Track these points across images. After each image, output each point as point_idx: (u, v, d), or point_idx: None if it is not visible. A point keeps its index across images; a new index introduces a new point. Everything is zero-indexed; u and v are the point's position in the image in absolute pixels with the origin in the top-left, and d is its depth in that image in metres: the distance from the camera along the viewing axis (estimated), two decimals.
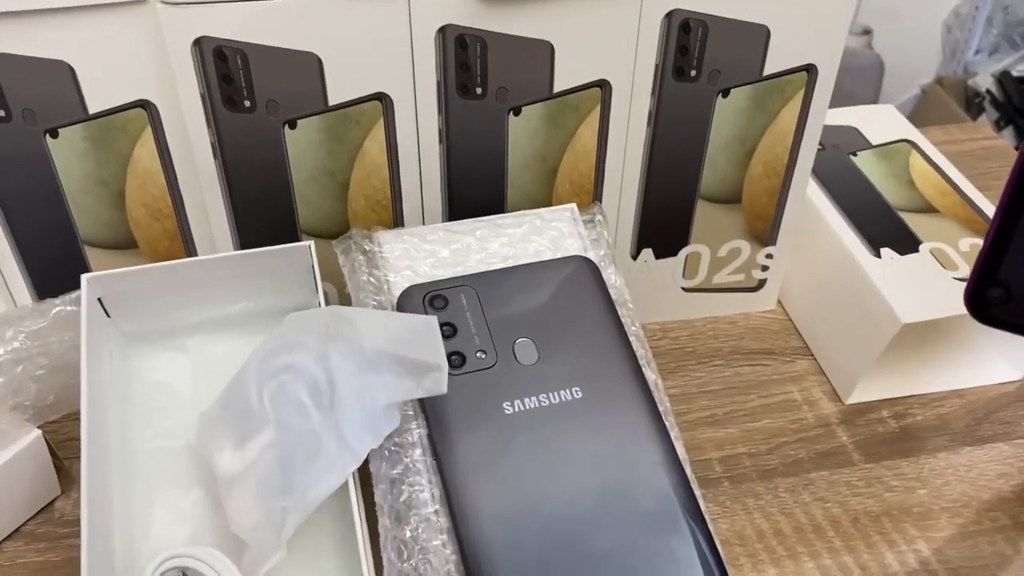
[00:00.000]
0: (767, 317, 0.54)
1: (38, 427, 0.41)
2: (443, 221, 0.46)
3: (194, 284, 0.40)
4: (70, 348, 0.41)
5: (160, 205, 0.43)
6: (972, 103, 1.73)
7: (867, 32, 1.73)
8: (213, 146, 0.41)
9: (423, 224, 0.46)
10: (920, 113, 1.75)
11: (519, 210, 0.45)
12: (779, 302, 0.55)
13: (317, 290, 0.39)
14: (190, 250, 0.45)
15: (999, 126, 1.67)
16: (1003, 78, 1.72)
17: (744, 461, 0.46)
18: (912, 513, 0.43)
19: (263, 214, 0.44)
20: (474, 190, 0.45)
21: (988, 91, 1.74)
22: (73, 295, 0.41)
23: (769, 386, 0.50)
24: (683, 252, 0.50)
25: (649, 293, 0.52)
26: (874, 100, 1.79)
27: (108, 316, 0.40)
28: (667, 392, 0.47)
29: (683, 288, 0.52)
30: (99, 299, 0.39)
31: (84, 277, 0.38)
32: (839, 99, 0.63)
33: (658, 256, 0.50)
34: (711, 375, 0.50)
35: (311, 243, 0.39)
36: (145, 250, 0.45)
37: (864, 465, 0.45)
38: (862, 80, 1.67)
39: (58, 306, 0.41)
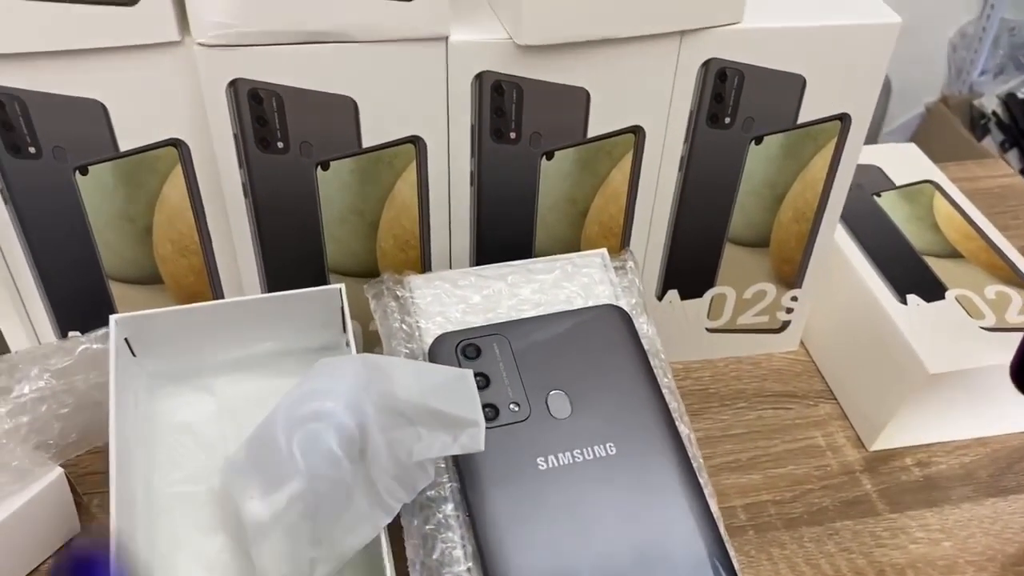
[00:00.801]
0: (789, 358, 0.54)
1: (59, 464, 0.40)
2: (470, 261, 0.46)
3: (221, 325, 0.39)
4: (94, 386, 0.41)
5: (187, 242, 0.43)
6: (977, 124, 1.73)
7: None
8: (244, 186, 0.41)
9: (450, 264, 0.46)
10: (924, 132, 1.75)
11: (547, 251, 0.44)
12: (802, 343, 0.54)
13: (346, 332, 0.38)
14: (215, 286, 0.45)
15: (1004, 148, 1.67)
16: (1009, 100, 1.72)
17: (769, 509, 0.45)
18: (938, 566, 0.43)
19: (291, 252, 0.43)
20: (502, 232, 0.45)
21: (994, 112, 1.74)
22: (99, 332, 0.40)
23: (792, 431, 0.49)
24: (709, 293, 0.50)
25: (673, 333, 0.51)
26: (880, 119, 1.80)
27: (134, 355, 0.40)
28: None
29: (707, 329, 0.52)
30: (126, 339, 0.39)
31: (112, 318, 0.38)
32: None
33: (684, 297, 0.50)
34: (735, 418, 0.50)
35: (342, 286, 0.39)
36: (170, 285, 0.44)
37: (889, 515, 0.45)
38: None
39: (84, 344, 0.40)
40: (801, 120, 0.43)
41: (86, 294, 0.44)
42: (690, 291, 0.50)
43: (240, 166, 0.40)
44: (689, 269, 0.49)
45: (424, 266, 0.45)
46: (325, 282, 0.45)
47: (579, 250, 0.43)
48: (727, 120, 0.43)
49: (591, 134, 0.42)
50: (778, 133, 0.44)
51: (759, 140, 0.44)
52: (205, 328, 0.39)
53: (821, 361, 0.53)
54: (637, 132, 0.42)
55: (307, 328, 0.40)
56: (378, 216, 0.43)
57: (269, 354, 0.42)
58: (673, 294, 0.50)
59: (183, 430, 0.40)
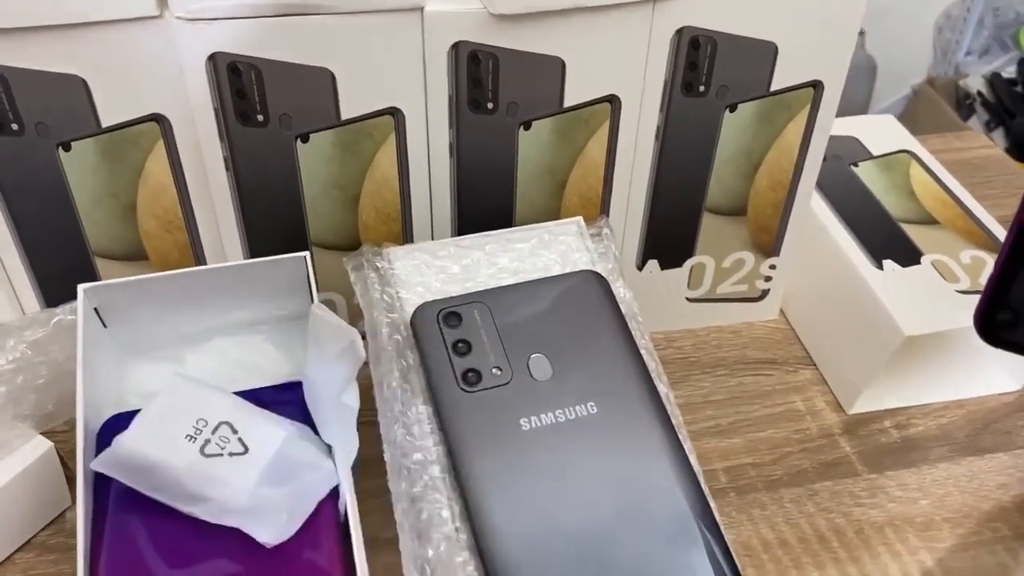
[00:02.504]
0: (769, 327, 0.54)
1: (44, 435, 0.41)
2: (452, 233, 0.46)
3: (191, 295, 0.40)
4: (69, 357, 0.41)
5: (171, 217, 0.43)
6: (963, 104, 1.74)
7: (860, 33, 1.74)
8: (226, 160, 0.41)
9: (432, 236, 0.46)
10: (911, 114, 1.76)
11: (527, 222, 0.45)
12: (781, 311, 0.55)
13: (313, 301, 0.39)
14: (200, 262, 0.45)
15: (989, 127, 1.69)
16: (994, 80, 1.73)
17: (749, 471, 0.46)
18: (915, 523, 0.44)
19: (274, 227, 0.44)
20: (483, 203, 0.45)
21: (979, 92, 1.75)
22: (74, 304, 0.41)
23: (773, 396, 0.50)
24: (688, 263, 0.51)
25: (654, 303, 0.52)
26: (867, 100, 1.80)
27: (105, 326, 0.40)
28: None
29: (687, 298, 0.53)
30: (95, 309, 0.39)
31: (81, 287, 0.38)
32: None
33: (663, 267, 0.51)
34: (715, 385, 0.51)
35: (307, 254, 0.40)
36: (156, 262, 0.45)
37: (867, 475, 0.46)
38: (854, 80, 1.68)
39: (58, 315, 0.41)
40: (774, 88, 0.44)
41: (72, 271, 0.44)
42: (670, 261, 0.51)
43: (221, 140, 0.41)
44: (668, 239, 0.50)
45: (406, 239, 0.46)
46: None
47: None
48: (701, 88, 0.43)
49: (567, 104, 0.42)
50: (752, 101, 0.44)
51: (733, 108, 0.44)
52: (175, 298, 0.40)
53: (800, 329, 0.54)
54: (613, 101, 0.43)
55: (276, 297, 0.40)
56: (359, 189, 0.43)
57: (239, 324, 0.42)
58: (653, 264, 0.51)
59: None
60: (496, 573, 0.32)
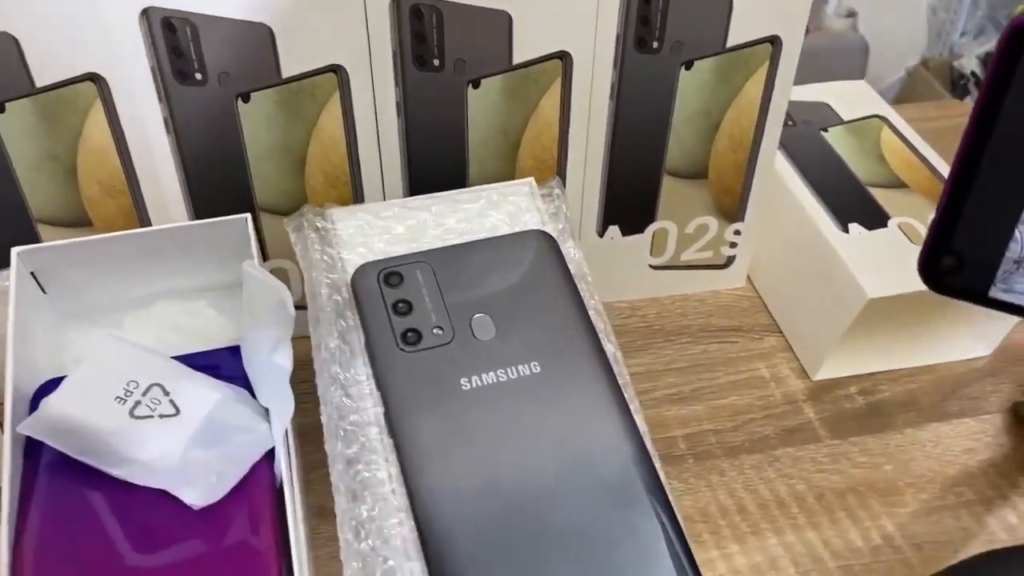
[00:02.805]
0: (736, 295, 0.53)
1: None
2: (404, 197, 0.45)
3: (131, 258, 0.39)
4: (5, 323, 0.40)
5: (114, 182, 0.42)
6: (957, 85, 1.73)
7: (852, 14, 1.72)
8: (166, 121, 0.40)
9: (384, 201, 0.45)
10: (906, 95, 1.74)
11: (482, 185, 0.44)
12: (749, 279, 0.54)
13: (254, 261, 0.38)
14: (145, 226, 0.44)
15: None
16: (988, 60, 1.71)
17: (709, 438, 0.45)
18: (877, 489, 0.43)
19: (219, 192, 0.43)
20: (435, 165, 0.44)
21: (973, 73, 1.73)
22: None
23: (737, 363, 0.49)
24: (650, 229, 0.50)
25: (617, 271, 0.51)
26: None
27: (44, 292, 0.39)
28: (633, 370, 0.47)
29: (651, 266, 0.52)
30: (32, 274, 0.38)
31: (14, 251, 0.37)
32: (825, 81, 0.62)
33: (625, 233, 0.50)
34: (678, 352, 0.50)
35: (248, 216, 0.39)
36: (100, 228, 0.44)
37: (830, 441, 0.45)
38: (847, 62, 1.67)
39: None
40: (730, 43, 0.43)
41: (16, 239, 0.43)
42: (631, 227, 0.50)
43: (160, 100, 0.40)
44: (628, 204, 0.48)
45: (357, 203, 0.45)
46: (256, 222, 0.44)
47: None
48: (655, 44, 0.42)
49: (517, 61, 0.41)
50: (708, 57, 0.43)
51: (689, 65, 0.43)
52: (115, 262, 0.39)
53: (767, 296, 0.53)
54: (564, 58, 0.42)
55: (219, 261, 0.39)
56: (305, 151, 0.42)
57: (182, 289, 0.41)
58: (615, 230, 0.49)
59: None
60: (430, 534, 0.31)
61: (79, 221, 0.44)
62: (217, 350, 0.39)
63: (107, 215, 0.44)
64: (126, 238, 0.40)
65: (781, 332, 0.51)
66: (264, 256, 0.46)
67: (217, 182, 0.43)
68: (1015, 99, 0.27)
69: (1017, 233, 0.28)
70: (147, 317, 0.40)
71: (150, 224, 0.44)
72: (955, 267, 0.30)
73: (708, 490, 0.43)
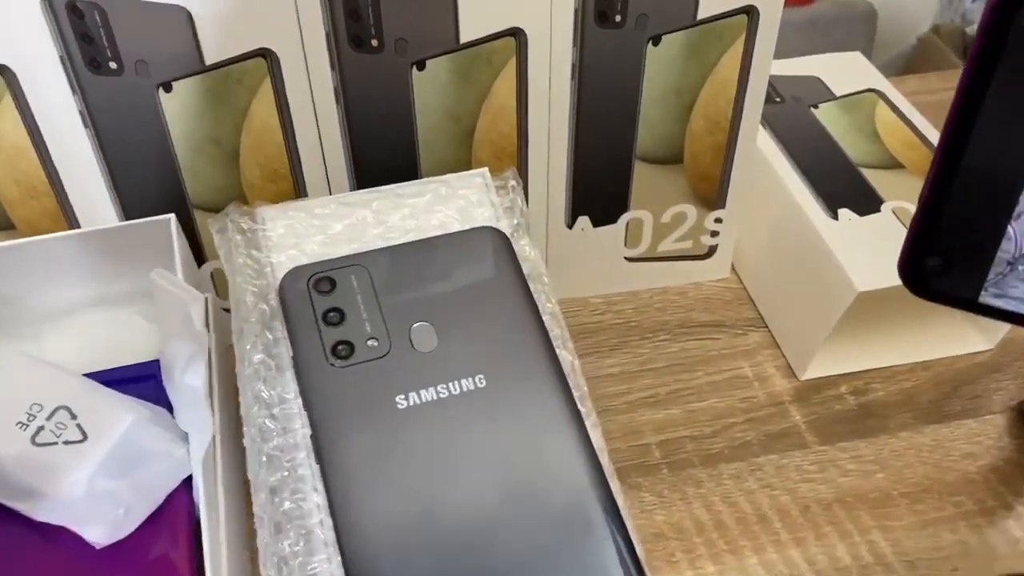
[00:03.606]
0: (719, 286, 0.50)
1: None
2: (351, 190, 0.42)
3: (50, 264, 0.36)
4: None
5: (34, 182, 0.39)
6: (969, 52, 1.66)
7: None
8: (82, 114, 0.37)
9: (330, 195, 0.42)
10: (915, 64, 1.69)
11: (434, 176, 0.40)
12: (734, 269, 0.50)
13: (176, 271, 0.34)
14: (74, 228, 0.41)
15: None
16: None
17: (686, 445, 0.42)
18: (868, 500, 0.40)
19: (148, 188, 0.40)
20: (382, 156, 0.41)
21: None
22: None
23: (718, 362, 0.46)
24: (623, 219, 0.46)
25: (589, 264, 0.47)
26: (867, 52, 1.73)
27: None
28: (606, 371, 0.44)
29: (626, 258, 0.48)
30: None
31: None
32: (830, 51, 0.58)
33: (596, 224, 0.46)
34: (655, 351, 0.46)
35: (172, 216, 0.35)
36: (24, 231, 0.41)
37: (818, 447, 0.42)
38: (854, 30, 1.61)
39: None
40: (701, 15, 0.39)
41: None
42: (602, 217, 0.46)
43: (74, 92, 0.36)
44: (598, 192, 0.45)
45: (300, 197, 0.41)
46: (189, 219, 0.41)
47: None
48: (617, 18, 0.38)
49: (464, 39, 0.38)
50: (677, 31, 0.39)
51: (657, 40, 0.39)
52: (35, 267, 0.36)
53: (752, 287, 0.49)
54: (517, 35, 0.38)
55: (146, 266, 0.36)
56: (238, 143, 0.39)
57: (107, 297, 0.38)
58: (584, 221, 0.46)
59: None
60: (359, 573, 0.28)
61: (1, 224, 0.40)
62: (137, 365, 0.35)
63: (30, 217, 0.40)
64: (46, 243, 0.37)
65: (767, 327, 0.47)
66: (202, 259, 0.42)
67: (145, 179, 0.39)
68: (1008, 71, 0.23)
69: (1010, 230, 0.24)
70: (68, 328, 0.37)
71: (79, 226, 0.41)
72: (940, 269, 0.26)
73: (683, 503, 0.39)
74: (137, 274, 0.38)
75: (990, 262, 0.25)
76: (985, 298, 0.26)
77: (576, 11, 0.38)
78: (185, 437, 0.32)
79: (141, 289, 0.38)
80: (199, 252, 0.42)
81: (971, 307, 0.27)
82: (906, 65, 1.69)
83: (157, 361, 0.36)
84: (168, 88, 0.37)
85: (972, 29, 1.66)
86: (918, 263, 0.27)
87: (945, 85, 0.66)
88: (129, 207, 0.40)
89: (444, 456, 0.30)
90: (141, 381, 0.35)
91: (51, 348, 0.37)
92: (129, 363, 0.36)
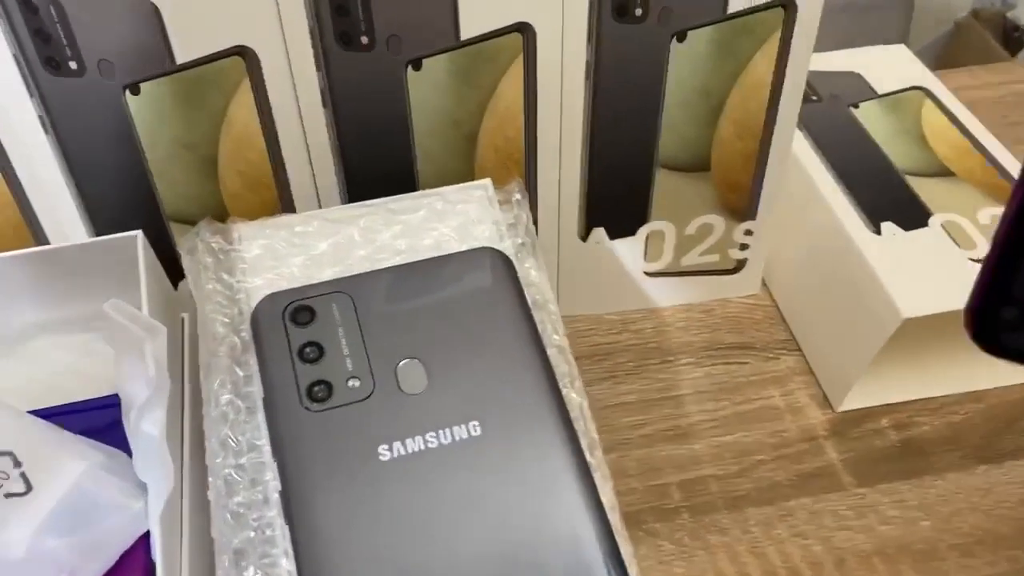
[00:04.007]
0: (748, 304, 0.46)
1: None
2: (342, 202, 0.38)
3: (7, 284, 0.32)
4: None
5: None
6: (1011, 38, 1.60)
7: None
8: (41, 119, 0.34)
9: (319, 206, 0.38)
10: (953, 51, 1.62)
11: (434, 187, 0.37)
12: (765, 286, 0.46)
13: (141, 297, 0.31)
14: (41, 242, 0.38)
15: None
16: None
17: (710, 486, 0.38)
18: (912, 552, 0.35)
19: (117, 197, 0.36)
20: (376, 164, 0.37)
21: None
22: None
23: (745, 390, 0.41)
24: (643, 230, 0.42)
25: (604, 280, 0.43)
26: (903, 39, 1.67)
27: None
28: (622, 400, 0.40)
29: (646, 272, 0.44)
30: None
31: None
32: (862, 40, 0.53)
33: (613, 236, 0.42)
34: (676, 377, 0.42)
35: (139, 233, 0.32)
36: None
37: (856, 490, 0.38)
38: (890, 16, 1.55)
39: None
40: (732, 9, 0.35)
41: None
42: (620, 229, 0.42)
43: (31, 96, 0.33)
44: (615, 202, 0.41)
45: (285, 209, 0.38)
46: (165, 233, 0.37)
47: None
48: (638, 11, 0.34)
49: (465, 36, 0.34)
50: (705, 27, 0.35)
51: (682, 36, 0.35)
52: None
53: (785, 306, 0.45)
54: (524, 31, 0.34)
55: (113, 286, 0.32)
56: (214, 149, 0.35)
57: (69, 320, 0.35)
58: (599, 233, 0.42)
59: None
60: None
61: None
62: (102, 398, 0.32)
63: None
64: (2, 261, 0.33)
65: (800, 351, 0.43)
66: (179, 275, 0.39)
67: (114, 189, 0.36)
68: None
69: None
70: (19, 357, 0.34)
71: (47, 242, 0.38)
72: (1017, 322, 0.22)
73: (705, 553, 0.36)
74: (100, 296, 0.34)
75: None
76: None
77: (591, 4, 0.34)
78: (144, 487, 0.29)
79: (101, 313, 0.35)
80: (176, 269, 0.39)
81: None
82: (944, 51, 1.62)
83: (117, 395, 0.32)
84: (136, 90, 0.33)
85: (1013, 14, 1.59)
86: (991, 314, 0.23)
87: (996, 79, 0.61)
88: (98, 220, 0.37)
89: (432, 516, 0.27)
90: (99, 418, 0.31)
91: (2, 378, 0.34)
92: (89, 395, 0.32)
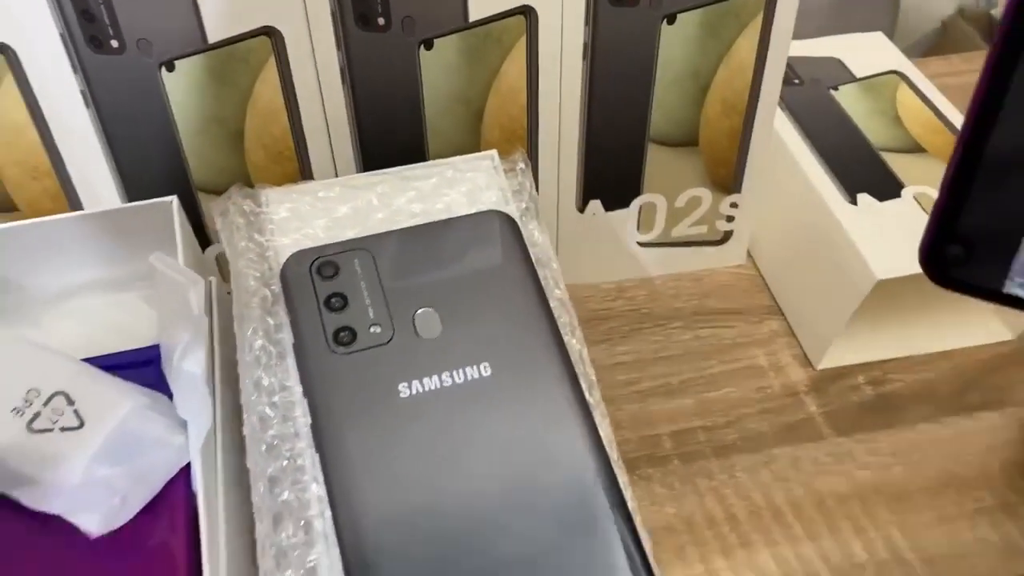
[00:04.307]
0: (736, 273, 0.49)
1: None
2: (357, 173, 0.41)
3: (50, 247, 0.35)
4: None
5: (35, 163, 0.39)
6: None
7: None
8: (83, 94, 0.36)
9: (335, 178, 0.41)
10: (940, 48, 1.65)
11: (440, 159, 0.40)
12: (750, 256, 0.49)
13: (177, 255, 0.34)
14: (76, 210, 0.41)
15: None
16: None
17: (699, 436, 0.41)
18: (885, 494, 0.39)
19: (151, 168, 0.39)
20: (389, 138, 0.40)
21: None
22: None
23: (732, 351, 0.44)
24: (636, 203, 0.45)
25: (601, 249, 0.46)
26: (890, 35, 1.70)
27: None
28: (618, 360, 0.43)
29: (639, 243, 0.47)
30: None
31: None
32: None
33: (608, 208, 0.45)
34: (668, 339, 0.45)
35: (174, 198, 0.35)
36: (28, 212, 0.40)
37: (834, 439, 0.41)
38: (877, 13, 1.58)
39: None
40: None
41: None
42: (614, 201, 0.45)
43: (75, 71, 0.36)
44: (610, 175, 0.44)
45: (306, 180, 0.41)
46: (193, 202, 0.40)
47: None
48: None
49: (473, 17, 0.37)
50: (693, 9, 0.38)
51: (672, 19, 0.38)
52: (35, 251, 0.35)
53: (769, 274, 0.48)
54: (528, 14, 0.37)
55: (148, 248, 0.35)
56: (242, 124, 0.38)
57: (108, 281, 0.37)
58: (596, 205, 0.45)
59: None
60: (359, 567, 0.28)
61: (3, 206, 0.40)
62: (138, 350, 0.35)
63: (33, 199, 0.40)
64: (45, 225, 0.36)
65: (783, 315, 0.46)
66: (206, 242, 0.42)
67: (148, 160, 0.39)
68: None
69: None
70: (68, 312, 0.37)
71: (81, 208, 0.41)
72: (963, 258, 0.25)
73: (695, 495, 0.39)
74: (139, 257, 0.37)
75: (1015, 250, 0.24)
76: (1011, 288, 0.25)
77: None
78: (184, 425, 0.32)
79: (143, 273, 0.37)
80: (203, 235, 0.41)
81: (995, 297, 0.25)
82: (930, 49, 1.66)
83: (158, 346, 0.35)
84: (171, 67, 0.36)
85: (998, 12, 1.63)
86: (940, 251, 0.26)
87: (970, 67, 0.64)
88: (132, 188, 0.40)
89: (447, 446, 0.30)
90: (141, 366, 0.34)
91: (51, 332, 0.36)
92: (130, 348, 0.35)
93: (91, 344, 0.35)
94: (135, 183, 0.39)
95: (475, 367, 0.31)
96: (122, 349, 0.35)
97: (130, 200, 0.40)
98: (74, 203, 0.40)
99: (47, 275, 0.37)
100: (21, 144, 0.38)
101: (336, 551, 0.28)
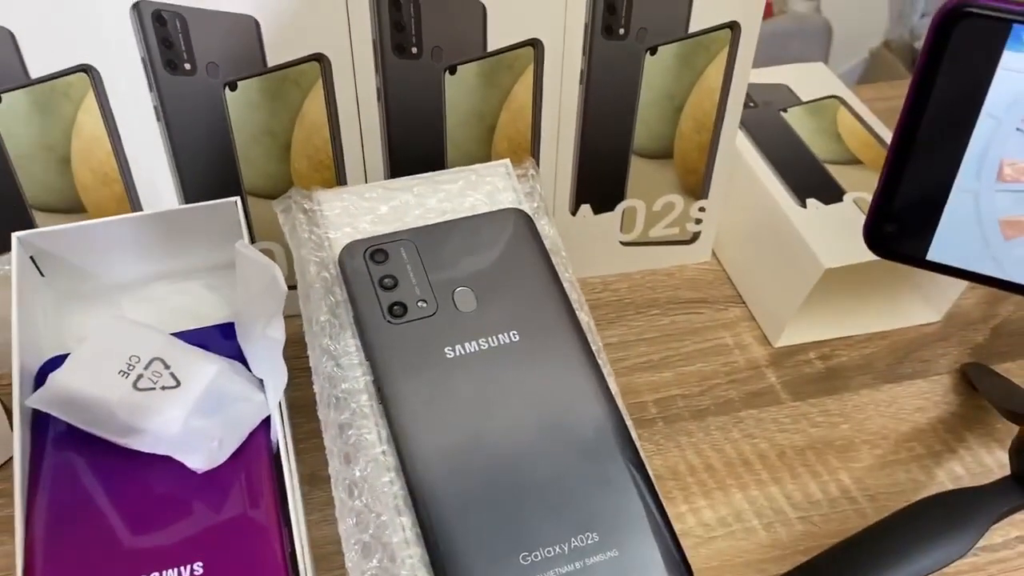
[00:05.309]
0: (702, 268, 0.56)
1: None
2: (385, 179, 0.47)
3: (126, 242, 0.41)
4: (5, 306, 0.42)
5: (106, 169, 0.44)
6: None
7: None
8: (156, 109, 0.42)
9: (376, 182, 0.47)
10: (868, 75, 1.78)
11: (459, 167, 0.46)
12: (714, 254, 0.57)
13: (245, 240, 0.40)
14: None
15: None
16: None
17: (678, 402, 0.48)
18: (835, 446, 0.46)
19: (208, 177, 0.45)
20: (414, 149, 0.46)
21: None
22: (9, 255, 0.42)
23: (703, 333, 0.52)
24: (620, 207, 0.52)
25: (589, 247, 0.53)
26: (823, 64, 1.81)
27: (43, 275, 0.41)
28: (606, 341, 0.50)
29: (621, 242, 0.54)
30: (31, 258, 0.40)
31: (15, 236, 0.39)
32: (788, 63, 0.65)
33: (596, 211, 0.52)
34: (648, 324, 0.52)
35: (237, 199, 0.41)
36: (94, 215, 0.46)
37: (791, 403, 0.48)
38: (810, 44, 1.70)
39: None
40: (692, 29, 0.45)
41: (10, 225, 0.45)
42: (602, 205, 0.52)
43: (150, 89, 0.42)
44: (599, 183, 0.51)
45: (340, 186, 0.47)
46: (245, 206, 0.46)
47: None
48: (621, 31, 0.45)
49: (491, 48, 0.44)
50: (671, 43, 0.46)
51: (654, 51, 0.46)
52: (110, 245, 0.41)
53: (731, 269, 0.56)
54: (536, 45, 0.44)
55: (210, 243, 0.41)
56: (290, 137, 0.44)
57: (176, 271, 0.43)
58: (586, 209, 0.52)
59: None
60: (418, 491, 0.34)
61: (73, 208, 0.45)
62: (210, 327, 0.41)
63: (100, 202, 0.45)
64: (121, 222, 0.41)
65: (744, 303, 0.54)
66: (252, 238, 0.48)
67: (206, 167, 0.45)
68: (946, 76, 0.30)
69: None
70: (143, 298, 0.42)
71: (141, 207, 0.46)
72: (896, 233, 0.33)
73: (677, 450, 0.46)
74: (202, 250, 0.43)
75: (935, 227, 0.32)
76: (932, 255, 0.32)
77: (586, 25, 0.44)
78: (260, 384, 0.38)
79: (205, 263, 0.43)
80: (250, 233, 0.47)
81: (922, 264, 0.33)
82: (860, 76, 1.78)
83: (222, 325, 0.41)
84: (233, 87, 0.42)
85: (920, 44, 1.76)
86: (879, 229, 0.33)
87: (896, 93, 0.73)
88: (189, 193, 0.45)
89: (486, 396, 0.36)
90: (211, 341, 0.40)
91: (128, 315, 0.42)
92: (194, 326, 0.41)
93: (162, 324, 0.41)
94: (193, 188, 0.45)
95: (506, 334, 0.38)
96: (186, 328, 0.41)
97: (187, 202, 0.46)
98: (135, 205, 0.46)
99: (123, 266, 0.42)
100: (97, 153, 0.44)
101: (401, 480, 0.34)
